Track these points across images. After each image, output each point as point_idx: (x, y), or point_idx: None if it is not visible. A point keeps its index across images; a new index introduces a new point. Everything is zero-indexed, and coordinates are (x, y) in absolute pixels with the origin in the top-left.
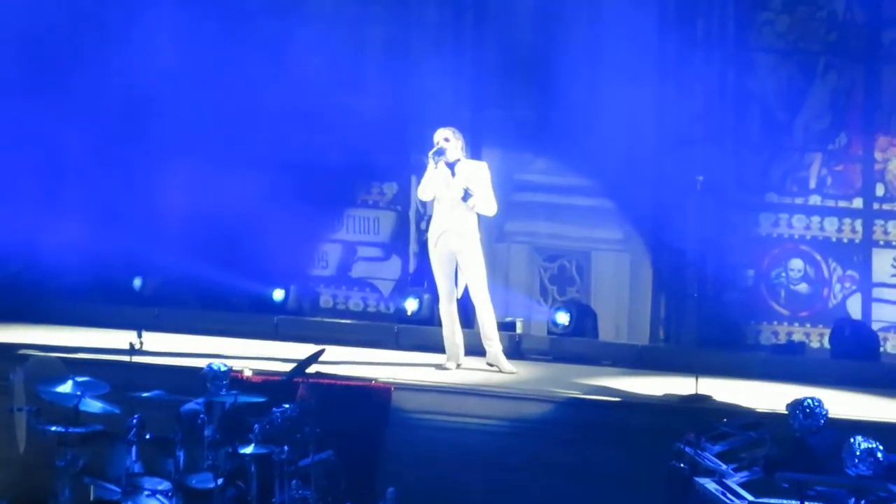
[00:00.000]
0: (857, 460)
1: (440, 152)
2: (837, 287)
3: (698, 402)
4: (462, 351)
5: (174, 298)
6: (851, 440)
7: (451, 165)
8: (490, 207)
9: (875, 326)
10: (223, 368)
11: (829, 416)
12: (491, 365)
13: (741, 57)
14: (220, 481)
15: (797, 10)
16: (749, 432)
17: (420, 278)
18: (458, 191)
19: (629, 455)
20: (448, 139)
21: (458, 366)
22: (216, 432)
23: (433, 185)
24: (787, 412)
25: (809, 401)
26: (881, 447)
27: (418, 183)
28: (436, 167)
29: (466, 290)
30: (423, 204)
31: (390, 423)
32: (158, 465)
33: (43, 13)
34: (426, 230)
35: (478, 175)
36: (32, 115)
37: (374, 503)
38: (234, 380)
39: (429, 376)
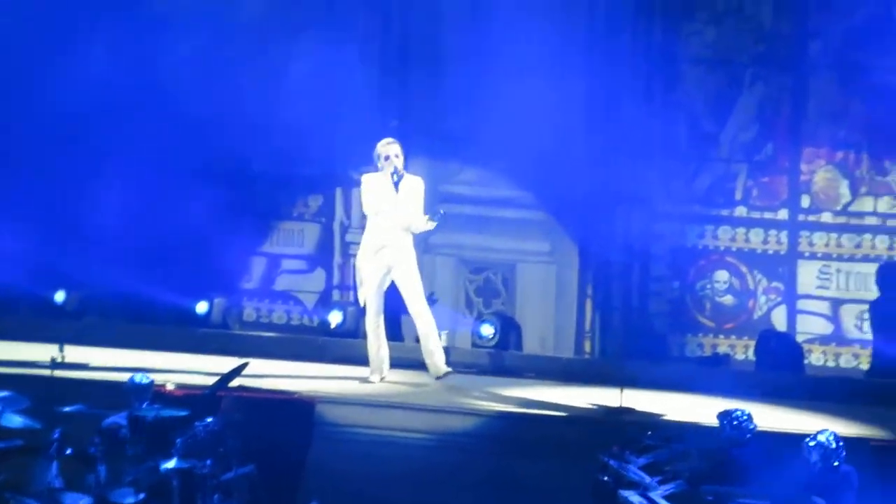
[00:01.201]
0: (815, 447)
1: (399, 174)
2: (763, 299)
3: (623, 415)
4: (387, 364)
5: (97, 311)
6: (825, 431)
7: (398, 180)
8: (417, 223)
9: (800, 338)
10: (146, 381)
11: (756, 429)
12: (438, 378)
13: (668, 68)
14: (141, 496)
15: (724, 22)
16: (674, 445)
17: (348, 288)
18: (402, 206)
19: (554, 468)
20: (398, 155)
21: (382, 379)
22: (138, 446)
23: (377, 200)
24: (716, 423)
25: (738, 412)
26: (844, 455)
27: (343, 195)
28: (388, 189)
29: (392, 304)
30: (348, 216)
31: (314, 436)
32: (80, 480)
33: None
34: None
35: (417, 192)
36: None
37: None
38: (156, 393)
39: (353, 389)
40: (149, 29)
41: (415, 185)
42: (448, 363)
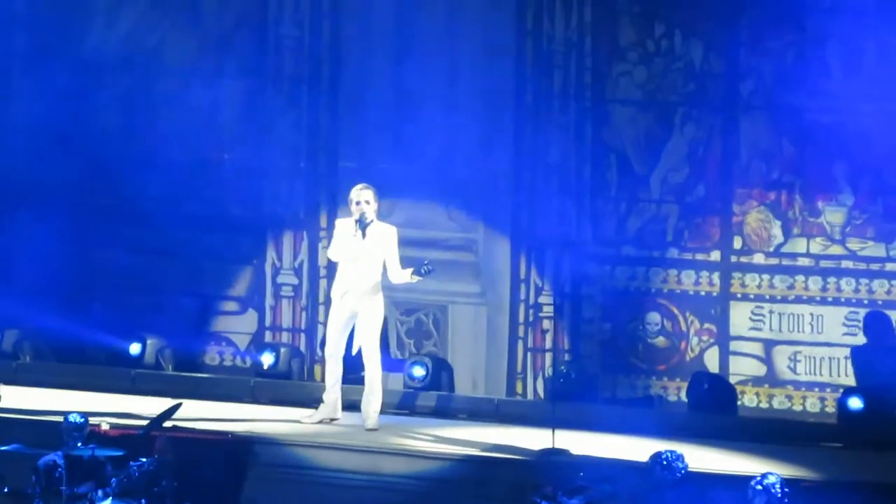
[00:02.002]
0: (762, 491)
1: (363, 223)
2: (695, 340)
3: (555, 456)
4: (331, 409)
5: (31, 352)
6: (773, 474)
7: (363, 226)
8: (397, 274)
9: (732, 380)
10: (80, 420)
11: (688, 470)
12: (367, 430)
13: (598, 108)
14: None
15: (654, 62)
16: (605, 486)
17: (280, 329)
18: (367, 253)
19: None
20: (369, 202)
21: (322, 421)
22: (74, 485)
23: (342, 245)
24: (647, 464)
25: (668, 454)
26: (787, 501)
27: (274, 237)
28: (355, 235)
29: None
30: (280, 258)
31: (248, 477)
32: None
33: None
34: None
35: (387, 239)
36: None
37: None
38: (91, 433)
39: (286, 430)
40: (75, 71)
41: (385, 232)
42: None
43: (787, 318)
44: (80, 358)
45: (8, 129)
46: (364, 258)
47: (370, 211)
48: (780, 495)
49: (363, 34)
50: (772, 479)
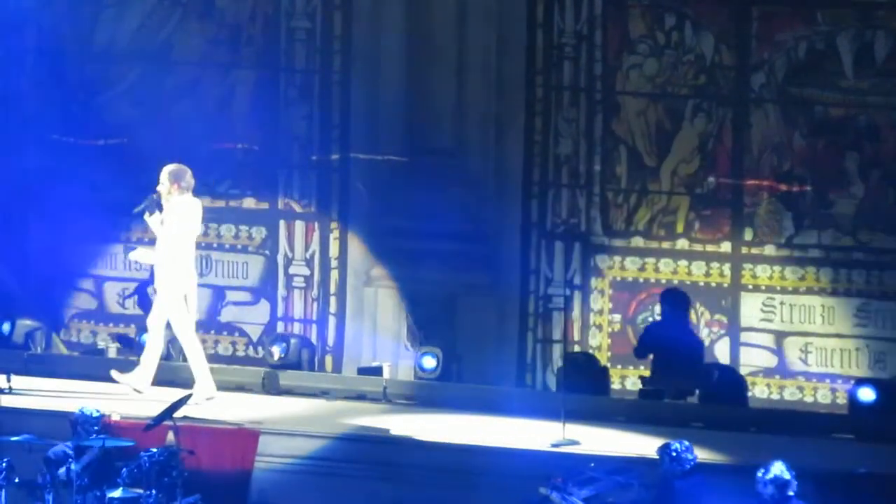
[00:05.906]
0: (771, 480)
1: (151, 207)
2: (706, 332)
3: (565, 447)
4: (139, 378)
5: (42, 342)
6: (778, 462)
7: (151, 207)
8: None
9: (743, 371)
10: (95, 414)
11: (697, 460)
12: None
13: (608, 101)
14: None
15: (665, 54)
16: (616, 477)
17: (293, 320)
18: (161, 230)
19: (497, 500)
20: (163, 183)
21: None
22: (84, 476)
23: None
24: (656, 456)
25: (677, 445)
26: (796, 485)
27: (287, 228)
28: (150, 216)
29: None
30: (291, 248)
31: (258, 467)
32: None
33: None
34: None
35: (169, 213)
36: None
37: None
38: (102, 423)
39: (297, 420)
40: (87, 63)
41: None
42: (389, 395)
43: (798, 310)
44: (90, 348)
45: (20, 125)
46: (160, 236)
47: (162, 190)
48: (787, 477)
49: (374, 26)
50: (778, 467)
